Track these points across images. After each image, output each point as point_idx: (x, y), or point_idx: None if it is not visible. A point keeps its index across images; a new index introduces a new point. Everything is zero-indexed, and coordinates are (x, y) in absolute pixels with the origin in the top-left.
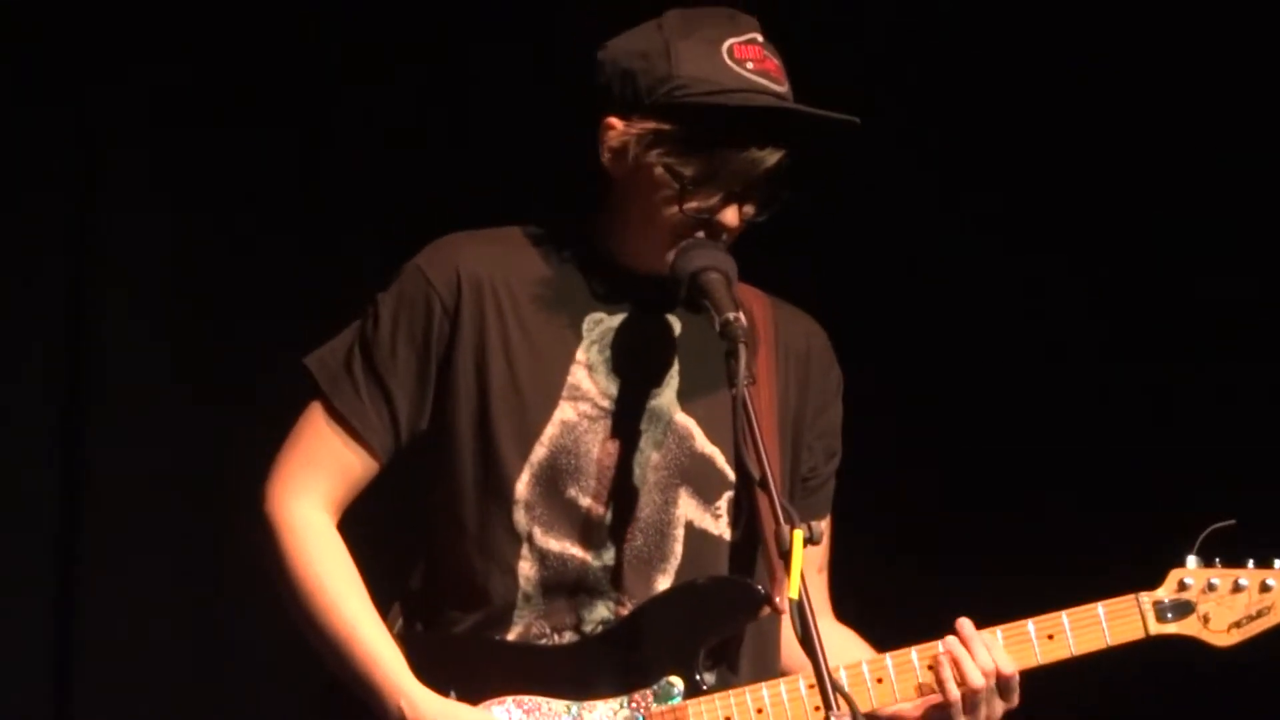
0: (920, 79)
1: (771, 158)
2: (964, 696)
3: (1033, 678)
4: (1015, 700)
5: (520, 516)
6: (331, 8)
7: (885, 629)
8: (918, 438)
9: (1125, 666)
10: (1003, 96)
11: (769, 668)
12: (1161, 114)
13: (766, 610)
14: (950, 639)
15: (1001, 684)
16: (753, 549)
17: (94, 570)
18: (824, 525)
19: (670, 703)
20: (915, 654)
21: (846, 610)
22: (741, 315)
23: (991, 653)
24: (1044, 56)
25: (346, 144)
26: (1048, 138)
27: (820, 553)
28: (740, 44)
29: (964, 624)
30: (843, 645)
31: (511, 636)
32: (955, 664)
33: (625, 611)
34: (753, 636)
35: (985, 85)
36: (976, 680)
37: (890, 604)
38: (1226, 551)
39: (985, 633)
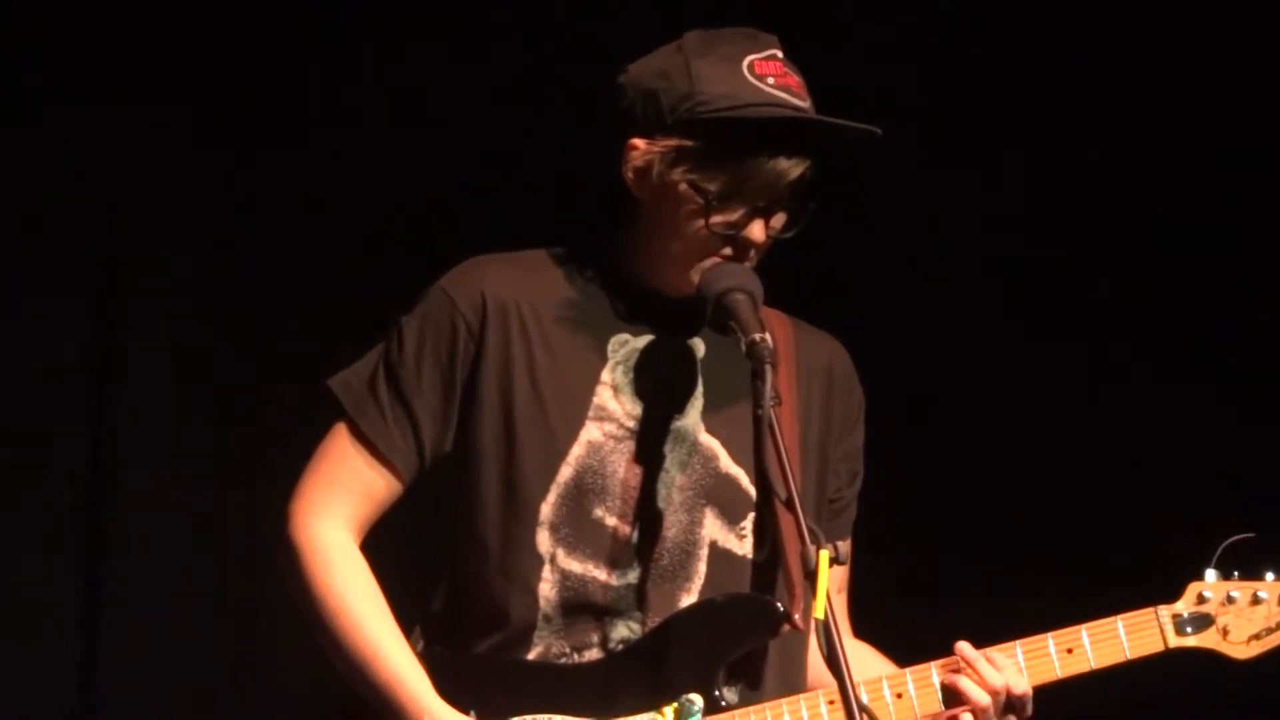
0: (930, 88)
1: (795, 170)
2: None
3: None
4: (1028, 713)
5: (544, 537)
6: (355, 30)
7: (905, 643)
8: (937, 445)
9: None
10: (1007, 98)
11: (794, 686)
12: (1173, 112)
13: (786, 628)
14: (953, 676)
15: (1014, 701)
16: (776, 569)
17: (117, 591)
18: (847, 546)
19: None
20: (935, 669)
21: (865, 625)
22: (768, 336)
23: (1004, 672)
24: (1055, 57)
25: (371, 164)
26: (1060, 140)
27: (841, 573)
28: (760, 60)
29: (963, 647)
30: (863, 662)
31: (532, 657)
32: (960, 692)
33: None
34: (778, 655)
35: (994, 90)
36: (982, 700)
37: (910, 619)
38: (1245, 564)
39: (1000, 651)
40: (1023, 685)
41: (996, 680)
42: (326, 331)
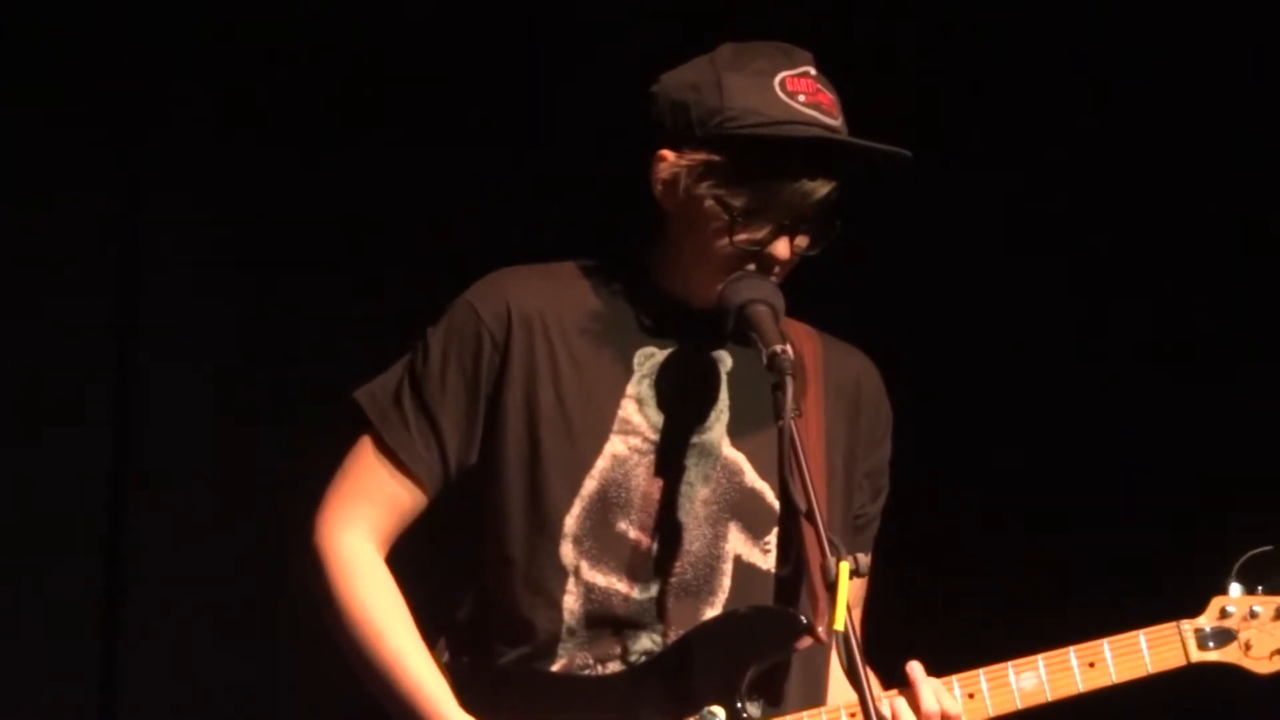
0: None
1: (821, 190)
2: None
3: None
4: None
5: (568, 550)
6: (379, 37)
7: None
8: (956, 460)
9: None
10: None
11: (817, 700)
12: (1201, 118)
13: (809, 640)
14: (898, 699)
15: None
16: (799, 582)
17: (139, 611)
18: (867, 560)
19: None
20: (885, 698)
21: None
22: (789, 348)
23: (940, 699)
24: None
25: (394, 177)
26: (1092, 148)
27: (859, 589)
28: (793, 77)
29: (913, 668)
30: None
31: (556, 669)
32: (893, 712)
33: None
34: (801, 668)
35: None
36: None
37: (932, 636)
38: (1269, 579)
39: (947, 681)
40: (955, 710)
41: (932, 705)
42: (350, 346)
